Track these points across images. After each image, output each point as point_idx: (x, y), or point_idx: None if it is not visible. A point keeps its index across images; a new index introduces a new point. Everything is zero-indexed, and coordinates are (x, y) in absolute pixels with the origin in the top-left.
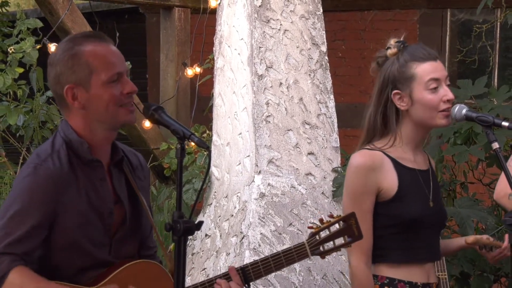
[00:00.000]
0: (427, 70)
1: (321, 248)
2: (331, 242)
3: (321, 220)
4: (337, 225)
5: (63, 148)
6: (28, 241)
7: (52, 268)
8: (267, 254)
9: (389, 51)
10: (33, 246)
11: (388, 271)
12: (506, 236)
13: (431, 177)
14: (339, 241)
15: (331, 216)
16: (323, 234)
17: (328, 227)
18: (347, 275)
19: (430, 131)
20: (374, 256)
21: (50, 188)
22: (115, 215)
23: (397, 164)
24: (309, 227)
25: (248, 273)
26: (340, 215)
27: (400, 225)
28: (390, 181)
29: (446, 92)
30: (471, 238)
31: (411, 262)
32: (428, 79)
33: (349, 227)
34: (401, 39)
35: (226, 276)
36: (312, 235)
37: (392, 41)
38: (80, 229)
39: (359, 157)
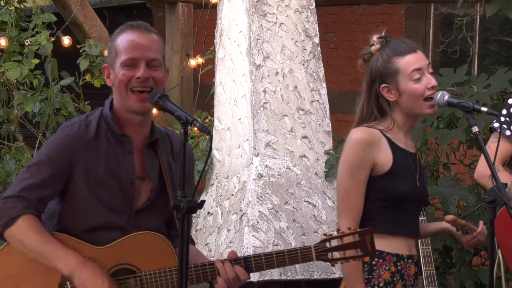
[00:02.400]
0: (409, 62)
1: (329, 255)
2: (342, 252)
3: (337, 230)
4: (351, 237)
5: (96, 120)
6: (42, 189)
7: (70, 222)
8: (264, 231)
9: (373, 48)
10: (46, 195)
11: (377, 243)
12: (481, 222)
13: (417, 160)
14: (351, 252)
15: (349, 228)
16: (335, 243)
17: (341, 237)
18: None
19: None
20: (364, 225)
21: (68, 147)
22: (141, 188)
23: (392, 144)
24: (323, 234)
25: (250, 263)
26: (356, 229)
27: (390, 199)
28: (385, 157)
29: (429, 80)
30: (450, 216)
31: (396, 235)
32: (411, 70)
33: (363, 241)
34: (383, 34)
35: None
36: (322, 241)
37: (375, 38)
38: (94, 190)
39: (359, 133)
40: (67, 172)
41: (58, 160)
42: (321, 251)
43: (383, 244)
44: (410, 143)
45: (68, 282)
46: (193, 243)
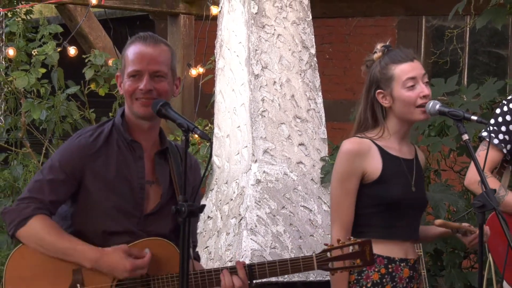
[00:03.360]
0: (404, 70)
1: (329, 265)
2: (342, 262)
3: (338, 240)
4: (351, 248)
5: (108, 128)
6: (54, 192)
7: (82, 225)
8: (262, 234)
9: (375, 55)
10: (58, 198)
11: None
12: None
13: (415, 165)
14: (350, 262)
15: (349, 238)
16: (335, 253)
17: (341, 248)
18: None
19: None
20: (356, 232)
21: (79, 154)
22: (151, 193)
23: (383, 152)
24: (325, 244)
25: (254, 271)
26: (356, 240)
27: (380, 205)
28: (374, 166)
29: (422, 89)
30: (439, 221)
31: (389, 239)
32: (406, 78)
33: (362, 252)
34: (387, 43)
35: (233, 269)
36: (324, 251)
37: (378, 46)
38: (105, 195)
39: (348, 144)
40: (78, 177)
41: (69, 165)
42: (322, 261)
43: (375, 247)
44: (406, 149)
45: (78, 285)
46: (198, 259)
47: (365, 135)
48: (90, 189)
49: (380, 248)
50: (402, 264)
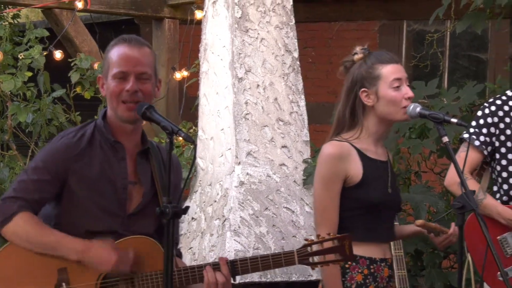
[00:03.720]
0: (391, 71)
1: (310, 259)
2: (322, 256)
3: (317, 236)
4: (331, 243)
5: (91, 129)
6: (38, 192)
7: (66, 226)
8: (245, 235)
9: (356, 56)
10: (42, 197)
11: (355, 250)
12: (453, 224)
13: (389, 167)
14: (330, 257)
15: (328, 233)
16: (316, 247)
17: (321, 242)
18: None
19: (391, 127)
20: (339, 234)
21: (63, 155)
22: (133, 193)
23: (361, 154)
24: (305, 239)
25: (236, 267)
26: (336, 235)
27: (363, 208)
28: (355, 169)
29: (407, 91)
30: (419, 221)
31: (371, 241)
32: (392, 78)
33: (342, 247)
34: (365, 46)
35: (216, 265)
36: (304, 246)
37: (358, 48)
38: (89, 195)
39: (329, 147)
40: (62, 178)
41: (53, 166)
42: (303, 256)
43: (357, 249)
44: (381, 151)
45: (64, 284)
46: (180, 256)
47: (342, 137)
48: (73, 189)
49: (362, 250)
50: (382, 264)
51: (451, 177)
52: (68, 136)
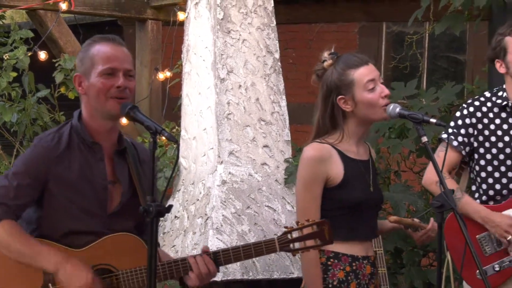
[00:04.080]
0: (363, 73)
1: (291, 246)
2: (302, 242)
3: (297, 222)
4: (310, 228)
5: (67, 131)
6: (20, 197)
7: (48, 228)
8: (228, 233)
9: (326, 63)
10: (24, 202)
11: (333, 247)
12: (431, 219)
13: (370, 166)
14: (310, 242)
15: (307, 220)
16: (296, 234)
17: (301, 229)
18: None
19: (370, 127)
20: None
21: (44, 158)
22: (113, 193)
23: (343, 156)
24: (284, 227)
25: (219, 257)
26: (314, 220)
27: (344, 208)
28: (336, 170)
29: (382, 89)
30: (393, 218)
31: (353, 239)
32: (366, 81)
33: (321, 232)
34: (332, 50)
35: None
36: (284, 233)
37: (326, 54)
38: (70, 197)
39: (310, 150)
40: (43, 181)
41: (34, 170)
42: (284, 243)
43: (340, 247)
44: (362, 150)
45: (50, 284)
46: (159, 246)
47: (325, 140)
48: (54, 192)
49: (344, 248)
50: (364, 262)
51: (429, 177)
52: (46, 139)
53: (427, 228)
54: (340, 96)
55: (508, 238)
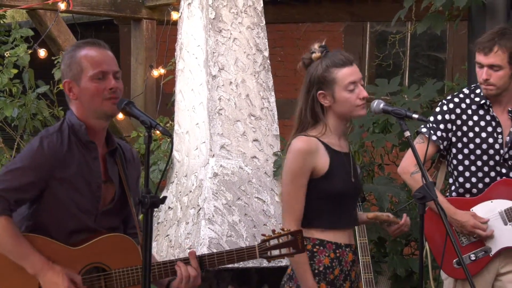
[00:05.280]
0: (346, 74)
1: (268, 253)
2: (278, 250)
3: (273, 231)
4: (286, 237)
5: (66, 130)
6: (20, 193)
7: (46, 224)
8: (219, 223)
9: (314, 55)
10: (23, 198)
11: (318, 234)
12: (404, 215)
13: (351, 158)
14: (285, 250)
15: (282, 229)
16: (273, 242)
17: (278, 238)
18: None
19: (352, 122)
20: (306, 223)
21: (48, 157)
22: (105, 192)
23: (328, 148)
24: (262, 235)
25: (204, 261)
26: (289, 230)
27: (328, 197)
28: (322, 162)
29: (360, 91)
30: (371, 214)
31: (336, 227)
32: (347, 82)
33: (295, 241)
34: (323, 43)
35: (186, 260)
36: (263, 241)
37: (316, 46)
38: (69, 195)
39: (299, 143)
40: (44, 181)
41: (38, 169)
42: (263, 250)
43: (325, 235)
44: (343, 144)
45: None
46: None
47: (309, 133)
48: (55, 191)
49: (328, 235)
50: (347, 249)
51: (404, 166)
52: (51, 138)
53: (400, 223)
54: (320, 91)
55: (474, 236)
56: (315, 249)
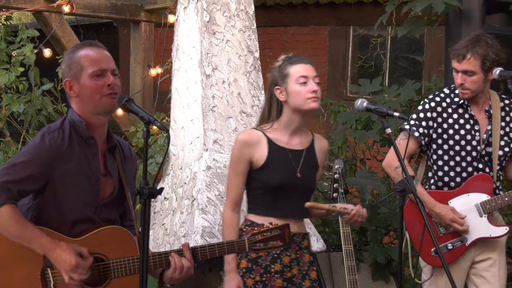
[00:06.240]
0: (298, 69)
1: (257, 246)
2: (266, 243)
3: (262, 225)
4: (274, 231)
5: (68, 127)
6: (23, 185)
7: (49, 216)
8: (212, 213)
9: (277, 63)
10: (26, 190)
11: (252, 218)
12: (358, 206)
13: (304, 155)
14: (273, 243)
15: (270, 223)
16: (262, 236)
17: (266, 231)
18: None
19: (336, 119)
20: (248, 207)
21: (51, 152)
22: (105, 185)
23: (271, 143)
24: (252, 229)
25: (197, 253)
26: (277, 224)
27: (265, 188)
28: (260, 154)
29: (312, 86)
30: (308, 203)
31: (270, 216)
32: (299, 76)
33: (283, 235)
34: (290, 55)
35: (180, 251)
36: (253, 235)
37: (282, 56)
38: (70, 189)
39: (242, 135)
40: (47, 173)
41: (41, 163)
42: (252, 243)
43: (257, 220)
44: (297, 141)
45: (48, 269)
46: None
47: (260, 127)
48: (57, 184)
49: (262, 220)
50: None
51: (389, 160)
52: (53, 135)
53: (351, 213)
54: (276, 87)
55: (451, 229)
56: (244, 229)
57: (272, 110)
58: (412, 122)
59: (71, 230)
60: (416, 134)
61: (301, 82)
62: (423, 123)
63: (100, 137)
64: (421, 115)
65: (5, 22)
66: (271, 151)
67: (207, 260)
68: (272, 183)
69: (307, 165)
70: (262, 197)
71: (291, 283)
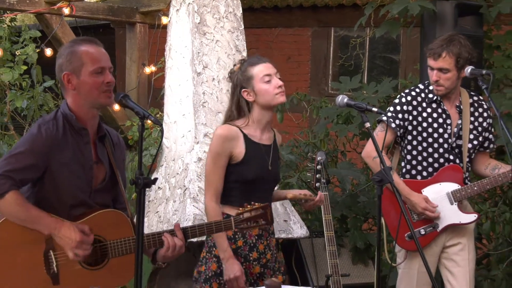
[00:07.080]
0: (260, 69)
1: (242, 225)
2: (250, 222)
3: (246, 205)
4: (257, 211)
5: (61, 118)
6: (24, 173)
7: (48, 202)
8: (203, 202)
9: (235, 67)
10: (27, 178)
11: (228, 210)
12: (319, 193)
13: (272, 149)
14: (257, 222)
15: (253, 203)
16: (247, 215)
17: (250, 211)
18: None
19: (318, 114)
20: (226, 200)
21: (47, 142)
22: (97, 172)
23: (247, 139)
24: (237, 208)
25: (187, 232)
26: (260, 204)
27: (242, 181)
28: (239, 149)
29: (276, 82)
30: (290, 195)
31: None
32: (262, 75)
33: (265, 214)
34: (244, 58)
35: (172, 231)
36: (238, 214)
37: (238, 60)
38: (66, 176)
39: (221, 129)
40: (45, 162)
41: (39, 152)
42: (238, 222)
43: (232, 211)
44: (266, 136)
45: (51, 251)
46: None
47: (234, 123)
48: (54, 171)
49: (235, 212)
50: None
51: (367, 151)
52: (48, 125)
53: (315, 200)
54: (243, 89)
55: (423, 217)
56: None
57: (243, 110)
58: (389, 114)
59: (70, 212)
60: (393, 125)
61: (266, 81)
62: (399, 115)
63: (92, 128)
64: (398, 108)
65: (9, 24)
66: (248, 147)
67: (198, 244)
68: (249, 177)
69: (274, 158)
70: (238, 189)
71: (267, 268)
